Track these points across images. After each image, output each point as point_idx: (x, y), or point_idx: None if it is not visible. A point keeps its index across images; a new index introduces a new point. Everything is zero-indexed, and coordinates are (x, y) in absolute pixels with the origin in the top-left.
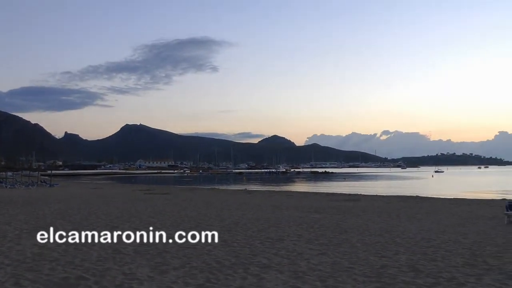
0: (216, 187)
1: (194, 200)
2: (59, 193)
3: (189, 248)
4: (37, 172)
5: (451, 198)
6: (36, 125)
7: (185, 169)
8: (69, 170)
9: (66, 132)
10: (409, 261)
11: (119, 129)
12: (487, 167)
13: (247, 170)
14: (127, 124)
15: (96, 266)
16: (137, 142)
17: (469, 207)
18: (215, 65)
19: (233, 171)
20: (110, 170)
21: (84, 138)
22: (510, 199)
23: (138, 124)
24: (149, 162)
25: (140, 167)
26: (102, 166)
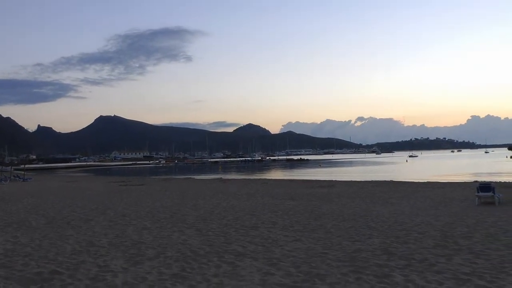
0: (192, 176)
1: (169, 190)
2: (33, 187)
3: (164, 238)
4: (9, 167)
5: (424, 182)
6: (7, 118)
7: (160, 159)
8: (43, 163)
9: (39, 125)
10: (382, 244)
11: (93, 120)
12: (460, 151)
13: (223, 159)
14: (101, 116)
15: (70, 259)
16: (111, 133)
17: (442, 190)
18: (189, 55)
19: (209, 160)
20: (85, 163)
21: (57, 131)
22: (481, 182)
23: (112, 115)
24: (124, 154)
25: (115, 159)
26: (77, 159)
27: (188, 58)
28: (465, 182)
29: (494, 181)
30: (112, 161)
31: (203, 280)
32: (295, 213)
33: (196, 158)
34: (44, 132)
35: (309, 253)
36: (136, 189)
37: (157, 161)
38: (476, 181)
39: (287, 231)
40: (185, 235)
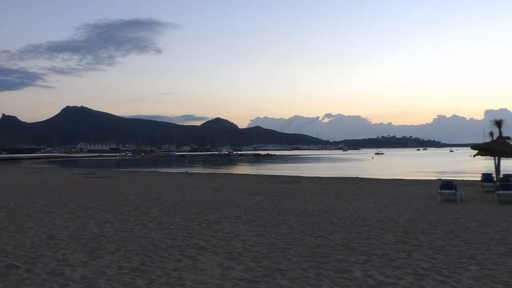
0: (158, 170)
1: (134, 183)
2: None
3: (125, 232)
4: None
5: (389, 179)
6: None
7: (127, 152)
8: (6, 154)
9: (3, 114)
10: (344, 240)
11: (60, 111)
12: (426, 149)
13: (190, 153)
14: (68, 106)
15: (29, 253)
16: (78, 124)
17: (406, 187)
18: (159, 47)
19: (176, 153)
20: (50, 154)
21: (23, 121)
22: (444, 179)
23: (80, 106)
24: (90, 145)
25: (81, 150)
26: (42, 150)
27: (158, 50)
28: (429, 179)
29: (456, 179)
30: (78, 152)
31: (163, 274)
32: (259, 208)
33: (163, 151)
34: (8, 121)
35: (271, 248)
36: (100, 182)
37: (124, 154)
38: (439, 179)
39: (250, 226)
40: (147, 229)
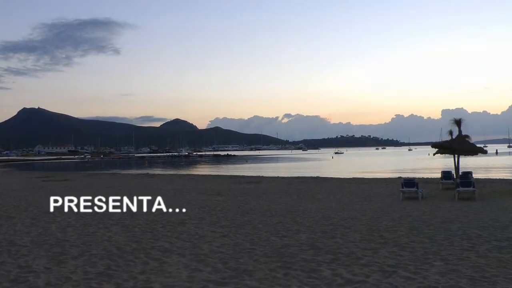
0: (118, 172)
1: (94, 185)
2: None
3: (89, 235)
4: None
5: (350, 178)
6: None
7: (86, 154)
8: None
9: None
10: (309, 239)
11: (16, 112)
12: (385, 148)
13: (149, 154)
14: (24, 108)
15: None
16: (35, 126)
17: (368, 186)
18: (117, 47)
19: (135, 155)
20: (7, 157)
21: None
22: (405, 178)
23: (37, 107)
24: (48, 148)
25: (38, 153)
26: None
27: (116, 51)
28: (389, 178)
29: (417, 177)
30: (35, 155)
31: (130, 277)
32: (222, 209)
33: (122, 153)
34: None
35: (237, 249)
36: (59, 185)
37: (83, 156)
38: (400, 177)
39: (215, 227)
40: (110, 232)
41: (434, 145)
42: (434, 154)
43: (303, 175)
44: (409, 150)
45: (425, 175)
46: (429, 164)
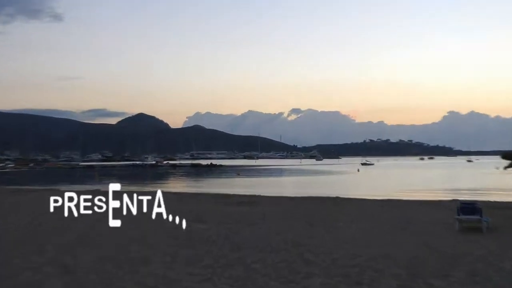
0: (56, 187)
1: (21, 206)
2: None
3: (8, 279)
4: None
5: (382, 199)
6: None
7: (7, 162)
8: None
9: None
10: (325, 286)
11: None
12: (432, 158)
13: (102, 163)
14: None
15: None
16: None
17: (408, 211)
18: (58, 11)
19: (81, 164)
20: None
21: None
22: (463, 200)
23: None
24: None
25: None
26: None
27: (57, 17)
28: (439, 200)
29: (480, 200)
30: None
31: None
32: (204, 241)
33: (61, 161)
34: None
35: None
36: None
37: (3, 164)
38: (455, 200)
39: (193, 267)
40: (41, 274)
41: (505, 155)
42: (505, 168)
43: (317, 195)
44: (468, 161)
45: (492, 198)
46: (498, 182)
